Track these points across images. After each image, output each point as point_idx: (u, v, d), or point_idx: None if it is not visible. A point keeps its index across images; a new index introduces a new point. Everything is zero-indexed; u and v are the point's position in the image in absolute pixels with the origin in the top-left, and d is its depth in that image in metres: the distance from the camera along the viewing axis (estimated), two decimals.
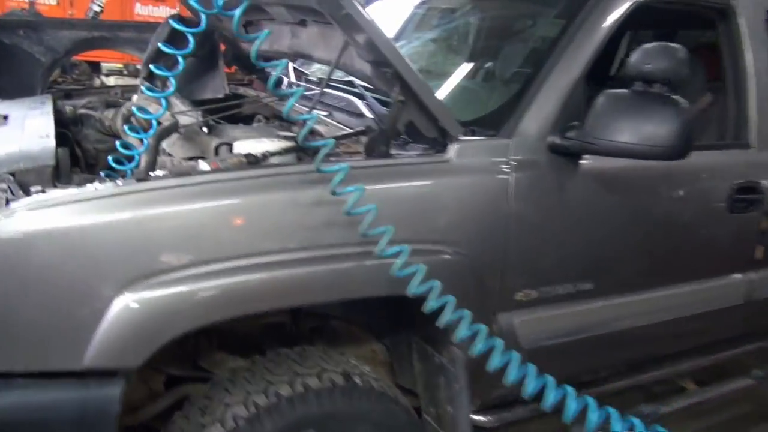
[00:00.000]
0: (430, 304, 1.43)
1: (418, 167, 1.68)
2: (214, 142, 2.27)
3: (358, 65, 1.94)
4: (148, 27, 2.86)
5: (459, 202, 1.72)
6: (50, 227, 1.28)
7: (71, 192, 1.33)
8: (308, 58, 2.44)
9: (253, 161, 1.58)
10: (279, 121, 2.75)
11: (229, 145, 2.26)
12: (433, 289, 1.41)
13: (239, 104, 2.73)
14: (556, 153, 1.86)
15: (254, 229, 1.43)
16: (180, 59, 1.62)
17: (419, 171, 1.68)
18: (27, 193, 1.42)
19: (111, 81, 3.88)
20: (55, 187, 1.50)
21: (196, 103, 2.85)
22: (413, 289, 1.40)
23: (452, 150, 1.72)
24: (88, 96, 3.13)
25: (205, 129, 2.30)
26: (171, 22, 1.43)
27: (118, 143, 1.78)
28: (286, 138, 1.94)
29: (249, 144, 1.86)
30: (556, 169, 1.88)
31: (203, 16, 1.51)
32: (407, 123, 1.69)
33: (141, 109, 1.70)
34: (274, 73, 1.40)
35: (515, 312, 1.92)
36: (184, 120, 2.33)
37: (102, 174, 1.84)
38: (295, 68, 2.91)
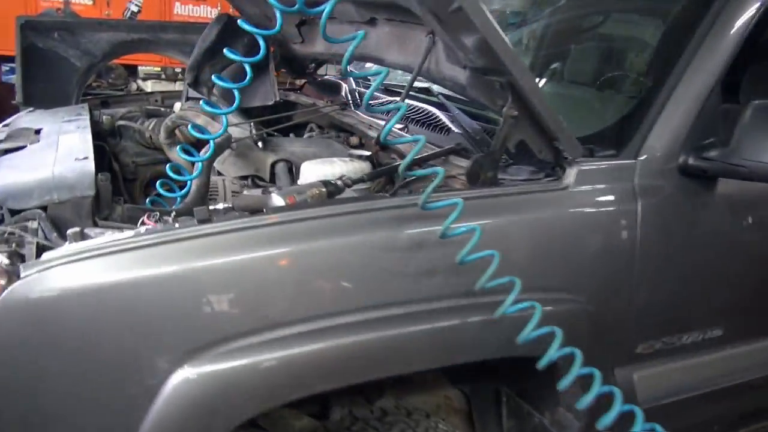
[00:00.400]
0: (548, 360, 1.12)
1: (532, 197, 1.37)
2: (270, 158, 2.00)
3: (447, 71, 1.64)
4: (192, 28, 2.60)
5: (578, 239, 1.41)
6: (92, 284, 1.00)
7: (118, 238, 1.05)
8: (375, 62, 2.14)
9: (333, 191, 1.29)
10: (335, 131, 2.46)
11: (287, 162, 1.99)
12: (555, 341, 1.12)
13: (293, 114, 2.45)
14: (687, 176, 1.54)
15: (344, 281, 1.14)
16: (248, 68, 1.33)
17: (534, 202, 1.37)
18: (62, 234, 1.15)
19: (148, 85, 3.65)
20: (95, 225, 1.23)
21: (245, 113, 2.59)
22: (550, 356, 1.10)
23: (571, 175, 1.41)
24: (126, 104, 2.89)
25: (259, 143, 2.02)
26: (241, 23, 1.14)
27: (168, 167, 1.51)
28: (360, 158, 1.65)
29: (320, 167, 1.58)
30: (688, 195, 1.55)
31: (279, 16, 1.22)
32: (518, 143, 1.38)
33: (196, 127, 1.42)
34: (373, 83, 1.10)
35: (634, 366, 1.60)
36: (233, 132, 2.06)
37: (148, 202, 1.56)
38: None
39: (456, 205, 1.11)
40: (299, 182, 1.68)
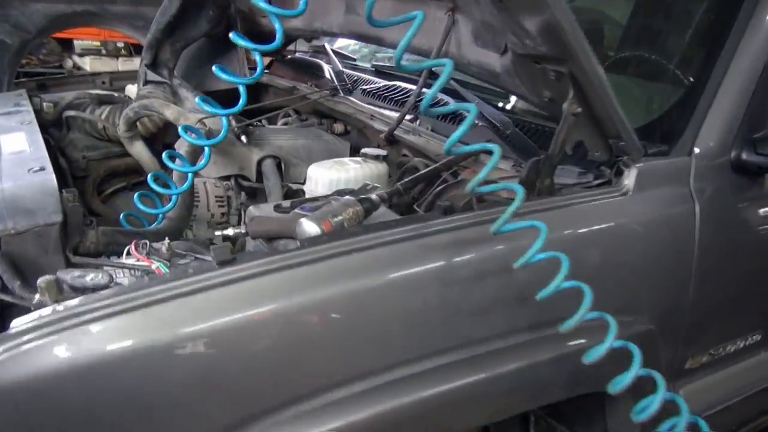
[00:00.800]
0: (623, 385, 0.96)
1: (590, 205, 1.18)
2: (256, 154, 1.72)
3: (472, 56, 1.42)
4: None
5: (641, 250, 1.24)
6: (91, 362, 0.73)
7: (114, 293, 0.78)
8: (371, 42, 1.89)
9: (369, 208, 1.05)
10: (316, 117, 2.19)
11: (275, 158, 1.72)
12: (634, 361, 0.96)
13: (281, 102, 2.15)
14: (739, 172, 1.39)
15: (404, 325, 0.92)
16: (258, 58, 1.06)
17: (595, 212, 1.19)
18: (26, 280, 0.88)
19: (86, 62, 3.22)
20: (68, 263, 0.96)
21: (216, 96, 2.26)
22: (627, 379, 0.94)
23: (630, 177, 1.23)
24: (67, 86, 2.50)
25: (242, 137, 1.74)
26: (235, 37, 0.89)
27: (150, 177, 1.22)
28: (376, 158, 1.41)
29: (331, 171, 1.33)
30: (740, 193, 1.42)
31: (278, 28, 0.98)
32: (576, 143, 1.18)
33: (188, 129, 1.13)
34: (437, 82, 0.87)
35: (680, 382, 1.47)
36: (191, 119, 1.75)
37: (122, 218, 1.27)
38: (335, 51, 2.33)
39: (538, 229, 0.90)
40: (306, 188, 1.42)
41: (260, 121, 2.05)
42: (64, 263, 0.99)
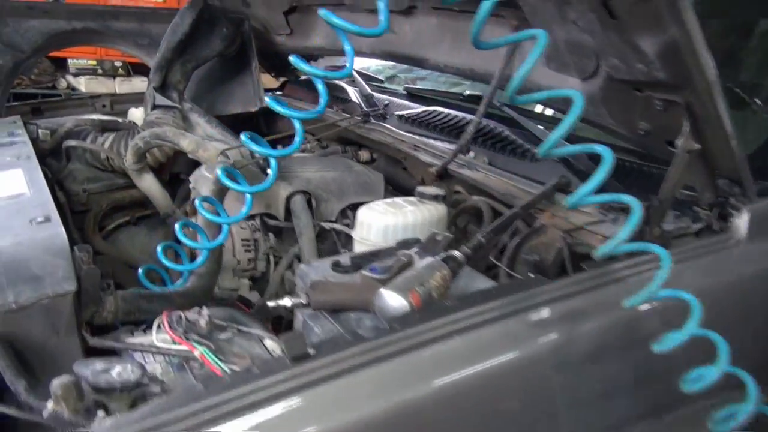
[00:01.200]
0: None
1: (704, 259, 1.00)
2: (284, 190, 1.53)
3: (541, 79, 1.24)
4: (153, 15, 2.05)
5: (749, 308, 1.06)
6: None
7: (144, 414, 0.58)
8: (411, 63, 1.70)
9: (455, 268, 0.86)
10: (339, 144, 2.00)
11: (305, 194, 1.52)
12: None
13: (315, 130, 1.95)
14: None
15: (520, 416, 0.73)
16: (320, 86, 0.86)
17: (708, 264, 1.00)
18: (33, 376, 0.68)
19: (81, 83, 3.01)
20: (85, 346, 0.76)
21: (225, 120, 2.08)
22: None
23: (742, 221, 1.05)
24: (64, 110, 2.30)
25: (269, 170, 1.54)
26: (296, 61, 0.71)
27: (178, 227, 1.02)
28: (435, 198, 1.21)
29: (386, 217, 1.13)
30: None
31: (350, 59, 0.80)
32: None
33: (229, 173, 0.93)
34: (564, 121, 0.68)
35: None
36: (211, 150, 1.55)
37: (141, 273, 1.07)
38: (359, 73, 2.14)
39: (689, 302, 0.71)
40: (356, 235, 1.23)
41: (275, 146, 1.85)
42: (80, 346, 0.78)
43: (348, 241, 1.63)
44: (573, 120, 0.69)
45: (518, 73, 0.70)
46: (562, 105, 1.24)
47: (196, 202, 0.99)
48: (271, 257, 1.47)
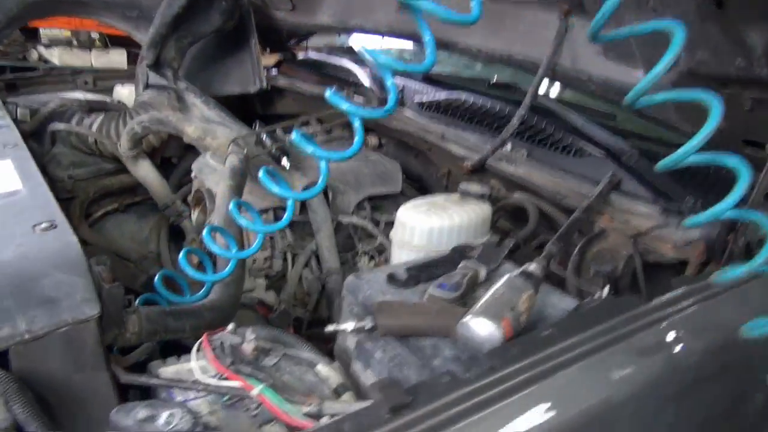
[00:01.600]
0: None
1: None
2: (298, 180, 1.40)
3: (592, 68, 1.14)
4: None
5: None
6: None
7: None
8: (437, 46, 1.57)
9: (536, 284, 0.76)
10: (348, 130, 1.87)
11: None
12: None
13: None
14: None
15: None
16: (388, 78, 0.74)
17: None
18: (56, 425, 0.56)
19: (55, 55, 2.77)
20: (116, 382, 0.64)
21: (223, 101, 1.91)
22: None
23: None
24: (42, 86, 2.10)
25: (284, 160, 1.41)
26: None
27: (205, 231, 0.89)
28: (481, 197, 1.11)
29: (430, 218, 1.02)
30: None
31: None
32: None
33: (271, 174, 0.80)
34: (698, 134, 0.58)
35: None
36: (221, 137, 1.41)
37: (158, 279, 0.94)
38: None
39: None
40: (395, 238, 1.11)
41: (275, 131, 1.72)
42: (111, 384, 0.66)
43: (364, 235, 1.52)
44: (711, 129, 0.59)
45: (650, 75, 0.59)
46: (617, 99, 1.15)
47: (231, 206, 0.86)
48: (289, 255, 1.36)
